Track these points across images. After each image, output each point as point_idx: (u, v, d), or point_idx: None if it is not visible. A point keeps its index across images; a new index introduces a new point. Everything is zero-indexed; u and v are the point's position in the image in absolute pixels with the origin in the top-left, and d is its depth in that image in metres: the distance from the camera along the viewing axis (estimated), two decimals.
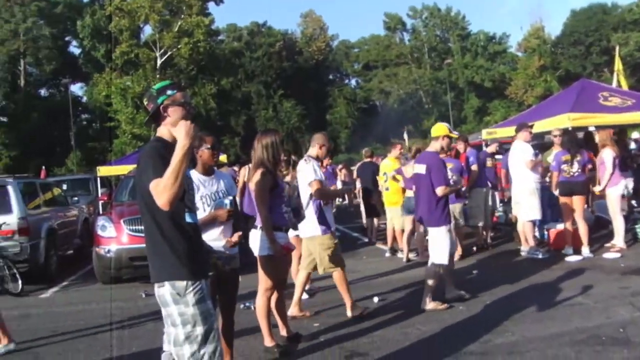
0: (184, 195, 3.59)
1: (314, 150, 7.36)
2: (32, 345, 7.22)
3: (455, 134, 8.34)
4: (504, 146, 15.24)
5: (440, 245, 7.48)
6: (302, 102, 63.32)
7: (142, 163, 3.58)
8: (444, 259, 7.44)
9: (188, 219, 3.72)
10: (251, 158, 6.18)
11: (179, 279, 3.60)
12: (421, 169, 7.65)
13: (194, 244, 3.70)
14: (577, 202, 10.29)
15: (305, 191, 7.07)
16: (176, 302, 3.60)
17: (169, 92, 3.77)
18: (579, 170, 10.28)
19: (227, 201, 5.14)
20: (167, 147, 3.60)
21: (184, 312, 3.59)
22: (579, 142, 10.90)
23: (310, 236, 7.25)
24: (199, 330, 3.59)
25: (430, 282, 7.46)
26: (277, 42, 67.88)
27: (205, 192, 5.21)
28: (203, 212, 5.05)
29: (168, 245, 3.59)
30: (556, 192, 10.78)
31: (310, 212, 7.05)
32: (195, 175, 5.20)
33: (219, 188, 5.31)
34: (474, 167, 11.29)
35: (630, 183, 11.38)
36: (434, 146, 7.74)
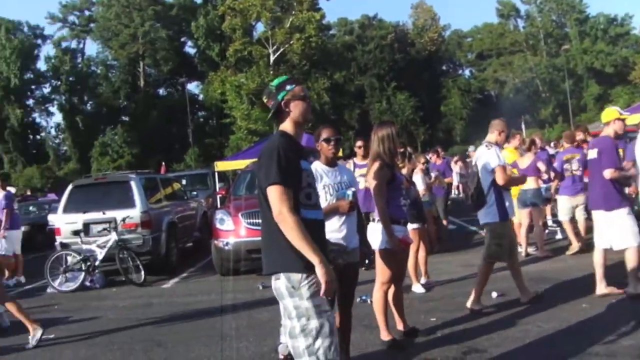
0: (300, 191, 3.62)
1: (492, 136, 7.22)
2: (154, 333, 7.47)
3: (626, 114, 7.98)
4: (629, 135, 14.54)
5: (629, 226, 7.07)
6: (415, 94, 62.84)
7: (264, 159, 3.61)
8: (638, 238, 7.06)
9: (307, 214, 3.67)
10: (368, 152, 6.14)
11: (294, 272, 3.56)
12: (593, 153, 7.38)
13: (315, 238, 3.60)
14: None
15: (486, 177, 6.96)
16: (291, 295, 3.58)
17: (288, 87, 3.79)
18: None
19: (349, 192, 5.06)
20: (291, 142, 3.71)
21: (298, 305, 3.56)
22: None
23: (485, 222, 7.14)
24: (314, 323, 3.54)
25: (631, 266, 7.05)
26: (388, 34, 67.65)
27: (328, 182, 5.16)
28: (324, 201, 4.98)
29: (285, 238, 3.53)
30: None
31: (490, 199, 6.95)
32: (318, 166, 5.19)
33: (342, 179, 5.26)
34: None
35: None
36: (606, 131, 7.43)
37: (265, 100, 3.88)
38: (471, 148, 21.69)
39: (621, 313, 6.63)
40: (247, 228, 10.72)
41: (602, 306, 6.93)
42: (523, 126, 44.53)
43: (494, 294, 7.81)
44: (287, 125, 3.79)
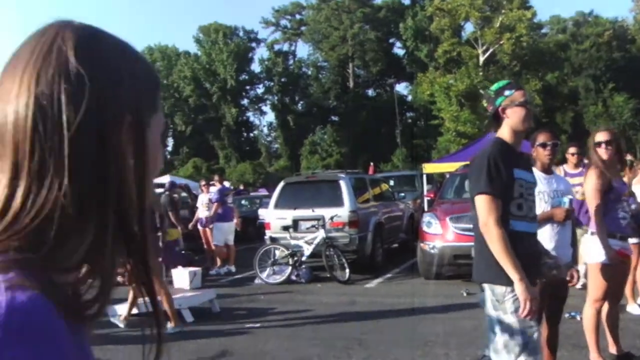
0: (511, 201, 3.54)
1: None
2: (356, 332, 7.58)
3: None
4: None
5: None
6: (636, 96, 58.97)
7: (474, 166, 3.60)
8: None
9: (517, 226, 3.57)
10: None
11: (499, 284, 3.48)
12: None
13: (522, 251, 3.49)
14: None
15: None
16: (495, 309, 3.51)
17: (506, 92, 3.67)
18: None
19: (566, 199, 4.86)
20: (507, 149, 3.62)
21: (502, 319, 3.48)
22: None
23: None
24: (518, 340, 3.43)
25: None
26: (605, 31, 64.00)
27: (544, 188, 4.95)
28: (539, 209, 4.79)
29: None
30: None
31: None
32: (535, 171, 4.98)
33: (558, 187, 5.07)
34: None
35: None
36: None
37: (485, 105, 3.85)
38: None
39: None
40: (455, 232, 10.56)
41: None
42: None
43: None
44: (504, 132, 3.69)
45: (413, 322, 8.00)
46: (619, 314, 6.08)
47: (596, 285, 5.54)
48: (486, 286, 3.55)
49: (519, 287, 3.31)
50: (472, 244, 3.78)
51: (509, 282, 3.40)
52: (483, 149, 3.71)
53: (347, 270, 11.34)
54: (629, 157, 8.46)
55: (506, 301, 3.44)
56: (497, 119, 3.72)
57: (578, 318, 6.75)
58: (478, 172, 3.51)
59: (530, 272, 3.54)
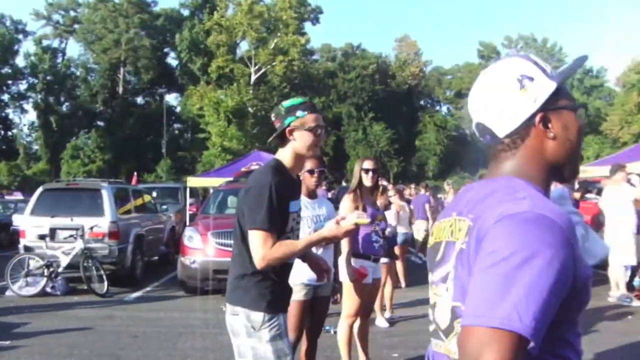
0: (281, 236, 3.36)
1: None
2: (114, 347, 7.39)
3: None
4: (595, 185, 14.77)
5: None
6: (392, 126, 63.19)
7: (253, 194, 3.31)
8: None
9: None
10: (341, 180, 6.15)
11: (256, 310, 3.34)
12: None
13: (281, 279, 3.47)
14: None
15: None
16: (249, 335, 3.35)
17: (299, 113, 3.39)
18: None
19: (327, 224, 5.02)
20: (285, 177, 3.42)
21: (256, 347, 3.34)
22: None
23: None
24: None
25: None
26: (370, 64, 68.08)
27: (308, 213, 5.06)
28: (302, 233, 4.99)
29: (254, 274, 3.34)
30: None
31: None
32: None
33: (321, 212, 5.22)
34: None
35: None
36: None
37: (272, 119, 3.49)
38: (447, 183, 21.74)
39: None
40: (216, 248, 10.65)
41: None
42: None
43: None
44: (285, 154, 3.46)
45: (173, 336, 7.97)
46: (369, 328, 6.55)
47: (350, 302, 5.89)
48: (241, 311, 3.36)
49: (327, 234, 3.36)
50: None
51: (268, 310, 3.32)
52: (261, 171, 3.45)
53: (106, 283, 11.02)
54: (383, 183, 9.09)
55: (262, 329, 3.32)
56: (282, 138, 3.45)
57: (332, 332, 7.14)
58: (257, 203, 3.25)
59: (285, 300, 3.57)
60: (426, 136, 66.97)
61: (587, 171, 14.23)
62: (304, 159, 3.61)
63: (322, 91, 63.22)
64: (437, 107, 78.69)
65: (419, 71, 72.81)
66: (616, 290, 10.19)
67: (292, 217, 3.49)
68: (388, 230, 6.66)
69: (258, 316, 3.32)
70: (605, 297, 10.34)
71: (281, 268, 3.41)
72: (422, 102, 76.62)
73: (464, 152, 63.39)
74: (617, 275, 10.18)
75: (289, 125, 3.38)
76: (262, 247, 3.21)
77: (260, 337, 3.32)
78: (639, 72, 63.98)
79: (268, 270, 3.33)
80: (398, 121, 65.34)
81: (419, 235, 16.28)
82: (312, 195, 5.24)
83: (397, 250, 10.58)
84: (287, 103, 3.49)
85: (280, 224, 3.34)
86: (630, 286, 10.47)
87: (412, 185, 24.17)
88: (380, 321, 8.56)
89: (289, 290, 3.62)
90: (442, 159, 65.01)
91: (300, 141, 3.40)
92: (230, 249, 7.97)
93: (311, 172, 5.09)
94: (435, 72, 77.79)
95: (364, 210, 5.78)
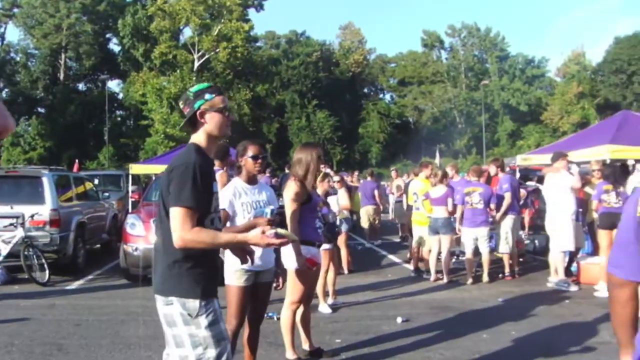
0: (207, 216, 3.40)
1: None
2: (56, 336, 7.30)
3: None
4: (536, 173, 15.10)
5: None
6: (335, 114, 63.36)
7: (177, 173, 3.30)
8: None
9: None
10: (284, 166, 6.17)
11: (191, 298, 3.33)
12: None
13: (210, 262, 3.48)
14: None
15: None
16: (186, 323, 3.33)
17: (207, 96, 3.48)
18: (620, 202, 9.93)
19: (267, 210, 4.80)
20: (207, 159, 3.47)
21: (194, 334, 3.33)
22: (623, 174, 10.57)
23: None
24: (211, 353, 3.33)
25: None
26: (314, 52, 68.06)
27: (247, 199, 5.12)
28: (242, 219, 5.02)
29: (184, 259, 3.33)
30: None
31: None
32: (239, 183, 5.21)
33: (261, 198, 5.23)
34: (507, 194, 11.19)
35: None
36: None
37: (181, 106, 3.56)
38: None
39: (518, 344, 6.92)
40: None
41: (501, 337, 7.21)
42: (437, 155, 45.50)
43: (399, 319, 7.98)
44: (199, 137, 3.51)
45: (115, 324, 7.90)
46: (310, 314, 6.60)
47: (294, 289, 5.95)
48: (175, 300, 3.33)
49: (247, 240, 3.32)
50: None
51: (202, 296, 3.33)
52: (183, 155, 3.41)
53: (47, 272, 10.83)
54: (326, 170, 9.14)
55: (200, 316, 3.32)
56: (193, 123, 3.52)
57: (275, 318, 7.19)
58: (182, 181, 3.24)
59: (216, 283, 3.53)
60: (369, 124, 67.28)
61: (528, 159, 14.51)
62: (217, 140, 3.62)
63: (266, 78, 62.98)
64: (381, 95, 79.19)
65: (362, 59, 73.06)
66: (555, 275, 10.47)
67: (215, 197, 3.52)
68: (330, 216, 6.71)
69: (194, 303, 3.32)
70: (544, 283, 10.64)
71: (208, 254, 3.42)
72: (365, 90, 76.91)
73: (407, 140, 64.15)
74: (557, 261, 10.45)
75: (199, 109, 3.46)
76: (183, 226, 3.19)
77: (198, 323, 3.32)
78: (578, 63, 65.61)
79: (198, 255, 3.34)
80: (341, 109, 65.57)
81: (365, 221, 16.48)
82: (252, 181, 5.27)
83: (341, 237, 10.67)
84: (194, 88, 3.57)
85: (205, 202, 3.35)
86: (568, 272, 10.78)
87: (355, 173, 24.34)
88: (323, 307, 8.61)
89: (218, 273, 3.64)
90: (385, 147, 65.46)
91: (211, 123, 3.48)
92: None
93: (255, 158, 5.14)
94: (378, 60, 78.14)
95: (309, 197, 5.84)
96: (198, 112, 3.47)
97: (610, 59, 64.31)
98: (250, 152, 5.18)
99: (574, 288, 10.24)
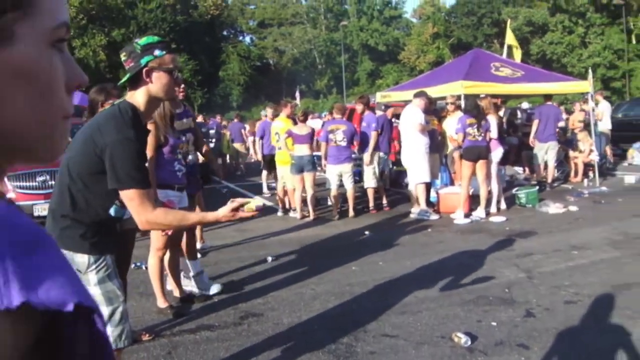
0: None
1: None
2: None
3: None
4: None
5: None
6: (195, 57, 62.11)
7: (119, 151, 2.94)
8: None
9: (114, 213, 3.21)
10: None
11: (80, 252, 3.09)
12: None
13: (105, 222, 3.21)
14: (482, 166, 10.44)
15: None
16: None
17: (156, 52, 3.08)
18: (483, 135, 10.41)
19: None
20: (140, 121, 3.13)
21: None
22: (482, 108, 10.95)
23: None
24: (104, 311, 3.09)
25: None
26: None
27: None
28: None
29: (77, 215, 3.08)
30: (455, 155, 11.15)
31: None
32: None
33: None
34: (374, 132, 11.34)
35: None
36: None
37: (123, 59, 3.11)
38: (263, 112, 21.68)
39: (385, 273, 7.13)
40: (17, 192, 10.03)
41: (369, 268, 7.42)
42: (298, 95, 45.58)
43: (269, 258, 8.02)
44: (139, 97, 3.12)
45: None
46: (179, 260, 6.47)
47: (157, 235, 5.79)
48: (66, 254, 2.97)
49: (218, 217, 3.08)
50: (33, 203, 3.38)
51: (92, 251, 3.11)
52: (118, 119, 3.02)
53: None
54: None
55: (89, 272, 3.11)
56: (135, 80, 3.11)
57: (144, 267, 7.04)
58: (124, 159, 2.93)
59: (110, 239, 3.31)
60: (229, 67, 66.52)
61: (387, 96, 14.89)
62: (159, 103, 3.36)
63: (122, 22, 60.68)
64: (240, 38, 78.20)
65: (221, 1, 71.73)
66: (417, 206, 10.84)
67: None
68: (189, 157, 6.56)
69: (83, 258, 3.10)
70: (408, 214, 11.00)
71: (104, 210, 3.18)
72: (225, 33, 75.69)
73: (268, 82, 63.98)
74: (417, 192, 10.82)
75: (146, 65, 3.07)
76: (145, 208, 2.96)
77: (87, 280, 3.10)
78: (434, 5, 67.37)
79: (90, 212, 3.12)
80: (201, 52, 64.34)
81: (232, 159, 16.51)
82: None
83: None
84: (142, 41, 3.15)
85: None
86: (429, 202, 11.18)
87: (218, 116, 24.14)
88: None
89: (115, 230, 3.36)
90: (246, 89, 65.08)
91: (157, 83, 3.10)
92: (31, 191, 7.60)
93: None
94: (237, 2, 76.99)
95: (166, 139, 5.66)
96: (145, 69, 3.07)
97: (462, 2, 66.48)
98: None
99: (434, 217, 10.69)
